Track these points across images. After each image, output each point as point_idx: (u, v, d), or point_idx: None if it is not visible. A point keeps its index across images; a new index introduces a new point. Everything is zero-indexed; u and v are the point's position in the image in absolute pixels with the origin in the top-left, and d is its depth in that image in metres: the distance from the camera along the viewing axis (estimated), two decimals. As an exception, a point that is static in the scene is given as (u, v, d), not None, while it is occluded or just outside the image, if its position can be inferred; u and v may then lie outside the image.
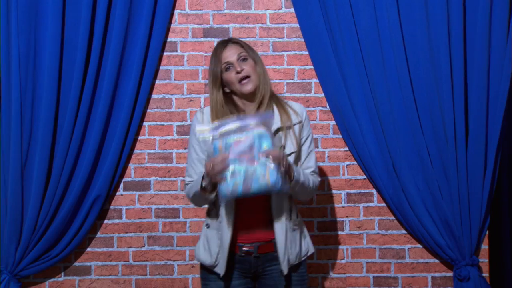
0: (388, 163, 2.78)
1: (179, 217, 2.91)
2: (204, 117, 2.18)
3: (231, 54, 2.13)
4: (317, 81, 2.88)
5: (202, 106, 2.90)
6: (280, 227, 2.12)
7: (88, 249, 2.89)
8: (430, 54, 2.73)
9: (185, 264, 2.91)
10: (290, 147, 2.13)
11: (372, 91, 2.79)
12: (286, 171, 1.99)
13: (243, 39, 2.79)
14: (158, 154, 2.92)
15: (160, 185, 2.91)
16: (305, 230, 2.27)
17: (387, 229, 2.90)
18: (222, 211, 2.12)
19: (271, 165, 1.91)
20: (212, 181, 1.99)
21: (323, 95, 2.89)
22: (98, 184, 2.79)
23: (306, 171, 2.17)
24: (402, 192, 2.77)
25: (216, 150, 1.95)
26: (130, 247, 2.91)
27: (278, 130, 2.14)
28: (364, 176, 2.90)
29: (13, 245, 2.75)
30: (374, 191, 2.90)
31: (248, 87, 2.12)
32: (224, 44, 2.17)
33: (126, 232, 2.90)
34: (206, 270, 2.20)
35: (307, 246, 2.24)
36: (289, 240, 2.13)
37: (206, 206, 2.25)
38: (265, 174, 1.91)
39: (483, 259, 2.86)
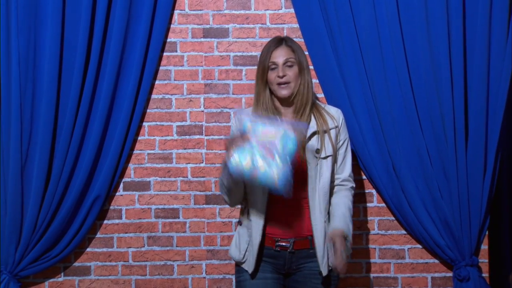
0: (388, 163, 2.78)
1: (179, 218, 2.91)
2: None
3: (280, 56, 2.18)
4: (317, 81, 2.88)
5: (202, 106, 2.92)
6: (320, 227, 2.16)
7: (88, 249, 2.89)
8: (430, 54, 2.73)
9: (185, 264, 2.90)
10: (326, 150, 2.17)
11: (371, 91, 2.78)
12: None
13: (242, 40, 2.87)
14: (158, 154, 2.91)
15: (160, 185, 2.91)
16: None
17: (387, 229, 2.90)
18: (253, 209, 2.17)
19: (286, 169, 1.93)
20: (225, 148, 2.01)
21: (322, 95, 2.88)
22: (97, 184, 2.79)
23: (346, 213, 2.19)
24: (401, 192, 2.76)
25: (245, 127, 1.98)
26: (130, 247, 2.90)
27: (313, 134, 2.18)
28: (364, 177, 2.89)
29: (13, 245, 2.75)
30: (373, 191, 2.90)
31: (283, 91, 2.17)
32: (279, 43, 2.22)
33: (126, 232, 2.90)
34: (239, 266, 2.25)
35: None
36: (327, 240, 2.16)
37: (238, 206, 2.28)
38: (276, 174, 1.93)
39: (483, 260, 2.84)
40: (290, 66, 2.18)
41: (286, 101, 2.21)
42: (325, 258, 2.15)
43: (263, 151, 1.94)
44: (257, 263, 2.16)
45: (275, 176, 1.93)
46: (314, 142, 2.17)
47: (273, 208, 2.16)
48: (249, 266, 2.17)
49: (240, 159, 1.93)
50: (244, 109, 2.26)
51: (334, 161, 2.22)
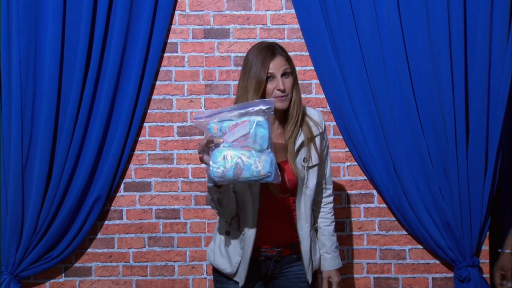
0: (389, 164, 2.78)
1: (179, 218, 2.91)
2: None
3: (277, 67, 2.05)
4: (318, 82, 2.89)
5: (203, 107, 2.91)
6: (305, 235, 2.13)
7: (89, 250, 2.90)
8: (431, 54, 2.73)
9: (186, 265, 2.91)
10: (313, 159, 2.12)
11: (372, 91, 2.78)
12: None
13: (243, 40, 2.87)
14: (158, 155, 2.92)
15: (160, 186, 2.91)
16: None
17: (388, 230, 2.90)
18: (244, 222, 2.08)
19: (267, 155, 1.87)
20: (200, 159, 1.92)
21: (323, 96, 2.89)
22: (98, 185, 2.80)
23: (331, 239, 2.25)
24: (402, 193, 2.76)
25: (211, 131, 1.88)
26: (131, 248, 2.91)
27: (301, 144, 2.11)
28: (365, 177, 2.89)
29: (14, 246, 2.75)
30: (374, 192, 2.90)
31: (283, 103, 2.06)
32: (273, 53, 2.06)
33: (127, 233, 2.90)
34: (223, 275, 2.17)
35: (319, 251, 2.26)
36: (313, 248, 2.15)
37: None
38: (259, 162, 1.86)
39: (484, 260, 2.84)
40: (287, 76, 2.07)
41: (282, 113, 2.11)
42: (311, 265, 2.14)
43: (238, 146, 1.86)
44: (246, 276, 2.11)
45: (259, 166, 1.86)
46: (302, 152, 2.12)
47: (262, 219, 2.10)
48: (240, 279, 2.11)
49: (219, 164, 1.84)
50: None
51: (320, 167, 2.18)
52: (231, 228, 2.14)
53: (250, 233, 2.07)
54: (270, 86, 2.04)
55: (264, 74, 2.02)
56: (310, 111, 2.18)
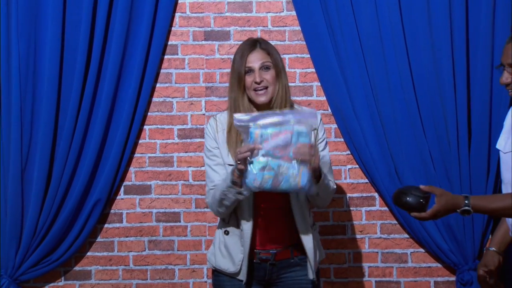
0: (390, 167, 2.78)
1: (180, 221, 2.90)
2: (218, 124, 2.15)
3: (255, 60, 2.08)
4: (319, 84, 2.89)
5: (203, 109, 2.91)
6: (307, 234, 2.11)
7: (89, 253, 2.89)
8: (433, 55, 2.73)
9: (186, 268, 2.90)
10: None
11: (374, 94, 2.78)
12: (316, 169, 1.95)
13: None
14: (159, 157, 2.91)
15: (161, 189, 2.91)
16: (317, 234, 2.27)
17: (390, 233, 2.89)
18: (242, 219, 2.09)
19: (305, 168, 1.88)
20: (237, 166, 1.92)
21: (324, 98, 2.89)
22: (98, 188, 2.79)
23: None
24: None
25: (252, 137, 1.87)
26: (131, 251, 2.90)
27: None
28: (366, 180, 2.89)
29: (13, 249, 2.75)
30: (376, 194, 2.90)
31: (262, 98, 2.08)
32: (252, 46, 2.11)
33: (127, 236, 2.90)
34: (225, 277, 2.15)
35: (321, 250, 2.24)
36: (315, 247, 2.13)
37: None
38: (297, 175, 1.88)
39: None
40: (267, 69, 2.08)
41: (263, 107, 2.10)
42: (314, 264, 2.11)
43: (279, 157, 1.87)
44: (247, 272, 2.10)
45: (297, 178, 1.88)
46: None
47: (256, 218, 2.10)
48: (244, 276, 2.09)
49: (258, 175, 1.86)
50: (218, 115, 2.20)
51: None
52: (230, 227, 2.14)
53: (247, 229, 2.07)
54: (248, 79, 2.08)
55: (242, 68, 2.07)
56: (305, 109, 2.17)
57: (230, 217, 2.14)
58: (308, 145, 1.89)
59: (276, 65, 2.11)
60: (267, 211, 2.10)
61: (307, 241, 2.10)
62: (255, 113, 1.93)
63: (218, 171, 2.11)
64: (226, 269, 2.12)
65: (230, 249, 2.12)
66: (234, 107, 2.10)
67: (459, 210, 1.80)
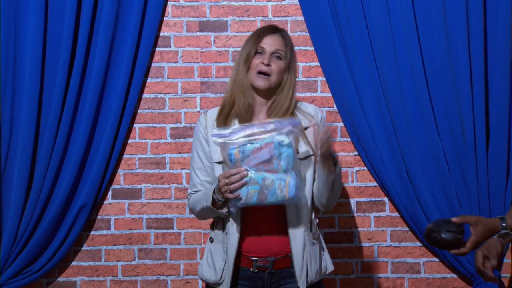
0: (401, 169, 2.75)
1: (172, 228, 2.88)
2: (208, 120, 2.13)
3: (271, 44, 2.06)
4: (324, 79, 2.86)
5: (198, 107, 2.89)
6: (298, 239, 2.04)
7: (73, 263, 2.87)
8: (448, 50, 2.70)
9: (179, 279, 2.87)
10: (302, 151, 2.06)
11: (383, 90, 2.76)
12: (328, 156, 1.95)
13: (242, 34, 2.87)
14: (150, 159, 2.88)
15: (152, 192, 2.88)
16: (324, 244, 2.20)
17: (401, 241, 2.86)
18: (227, 222, 2.06)
19: (292, 179, 1.91)
20: (224, 196, 1.94)
21: (330, 94, 2.86)
22: (84, 192, 2.77)
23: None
24: (416, 201, 2.73)
25: (232, 159, 1.90)
26: (119, 260, 2.87)
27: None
28: (375, 183, 2.87)
29: (-9, 259, 2.73)
30: (386, 199, 2.87)
31: (261, 82, 2.05)
32: (274, 30, 2.11)
33: (115, 244, 2.87)
34: None
35: (326, 262, 2.18)
36: (308, 254, 2.05)
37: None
38: (283, 187, 1.90)
39: (506, 274, 2.72)
40: (278, 58, 2.06)
41: (261, 94, 2.08)
42: (304, 273, 2.04)
43: (262, 170, 1.89)
44: (233, 283, 2.04)
45: (284, 190, 1.90)
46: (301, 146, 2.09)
47: (248, 223, 2.04)
48: (226, 286, 2.05)
49: (241, 191, 1.89)
50: (209, 111, 2.19)
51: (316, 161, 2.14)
52: (215, 232, 2.12)
53: (232, 234, 2.03)
54: (255, 60, 2.06)
55: (255, 46, 2.07)
56: (307, 105, 2.18)
57: (217, 223, 2.12)
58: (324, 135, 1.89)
59: (288, 60, 2.10)
60: (259, 213, 2.02)
61: (296, 247, 2.03)
62: (234, 126, 1.96)
63: (199, 175, 2.13)
64: (208, 278, 2.10)
65: (214, 257, 2.10)
66: (233, 82, 2.09)
67: (497, 235, 1.82)
